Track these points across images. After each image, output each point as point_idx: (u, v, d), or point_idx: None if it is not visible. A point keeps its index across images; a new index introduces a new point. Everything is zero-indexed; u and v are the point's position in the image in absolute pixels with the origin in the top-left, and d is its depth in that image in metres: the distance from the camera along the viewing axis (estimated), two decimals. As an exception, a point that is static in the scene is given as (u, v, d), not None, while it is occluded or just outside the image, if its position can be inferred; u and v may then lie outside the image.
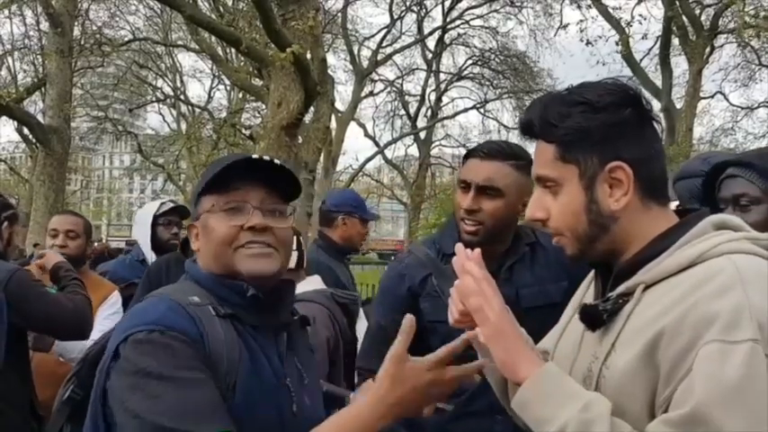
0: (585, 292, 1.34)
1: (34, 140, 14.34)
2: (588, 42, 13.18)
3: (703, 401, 0.95)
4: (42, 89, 15.02)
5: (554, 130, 1.15)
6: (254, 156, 1.33)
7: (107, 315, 2.87)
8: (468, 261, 1.22)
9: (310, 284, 2.42)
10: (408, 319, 1.17)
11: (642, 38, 14.19)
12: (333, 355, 2.29)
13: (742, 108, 19.71)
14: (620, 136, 1.13)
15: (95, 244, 16.28)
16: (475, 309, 1.17)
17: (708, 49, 14.72)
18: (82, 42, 14.19)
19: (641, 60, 15.19)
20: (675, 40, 14.53)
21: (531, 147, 1.28)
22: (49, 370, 2.54)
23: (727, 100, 19.73)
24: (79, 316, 2.41)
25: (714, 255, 1.07)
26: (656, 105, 13.26)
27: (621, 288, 1.13)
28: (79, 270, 2.88)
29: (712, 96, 18.90)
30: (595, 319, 1.14)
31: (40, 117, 12.13)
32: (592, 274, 1.35)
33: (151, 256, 3.62)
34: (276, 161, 1.34)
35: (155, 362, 1.14)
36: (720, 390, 0.94)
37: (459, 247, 1.25)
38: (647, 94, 1.25)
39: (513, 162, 1.86)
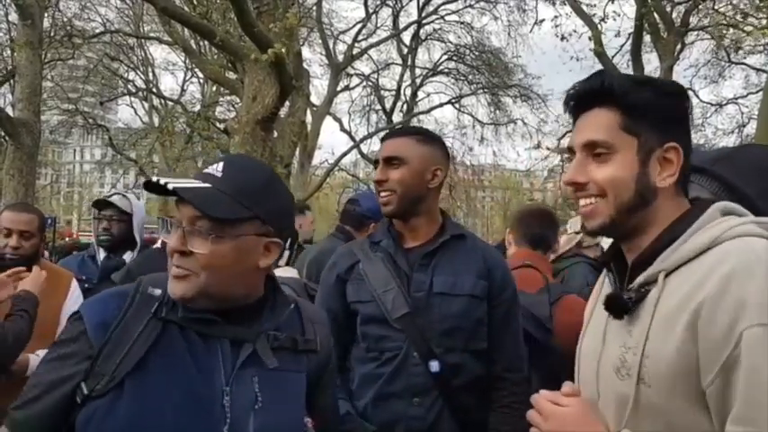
0: (600, 291, 1.38)
1: (3, 134, 14.06)
2: (563, 38, 13.26)
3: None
4: (11, 82, 14.73)
5: (629, 97, 1.21)
6: (152, 178, 1.27)
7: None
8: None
9: (287, 272, 2.44)
10: None
11: (610, 39, 14.32)
12: None
13: (712, 105, 20.01)
14: (678, 123, 1.23)
15: (66, 239, 16.06)
16: None
17: (679, 47, 14.92)
18: (52, 34, 13.93)
19: (613, 57, 15.33)
20: (647, 37, 14.69)
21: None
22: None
23: (698, 96, 19.97)
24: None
25: (729, 237, 1.13)
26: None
27: (641, 278, 1.19)
28: (35, 264, 2.75)
29: (683, 93, 19.12)
30: (621, 306, 1.20)
31: (9, 110, 11.87)
32: (602, 276, 1.40)
33: (98, 251, 3.55)
34: (162, 181, 1.24)
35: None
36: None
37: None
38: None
39: (414, 136, 2.05)
